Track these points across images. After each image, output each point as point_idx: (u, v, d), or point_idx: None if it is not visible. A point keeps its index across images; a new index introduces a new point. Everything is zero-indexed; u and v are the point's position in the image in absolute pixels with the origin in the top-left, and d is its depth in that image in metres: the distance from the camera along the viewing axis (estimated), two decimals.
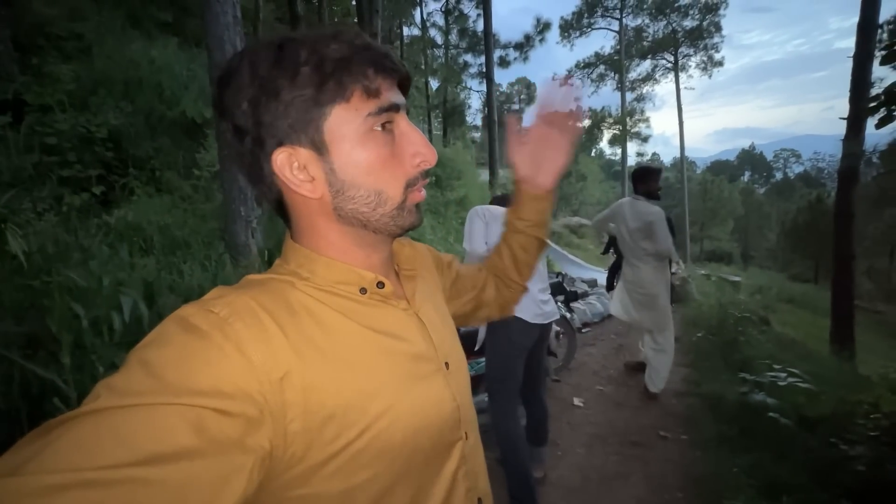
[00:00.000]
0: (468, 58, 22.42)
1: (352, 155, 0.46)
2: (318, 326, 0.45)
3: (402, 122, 0.49)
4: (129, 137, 4.29)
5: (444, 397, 0.52)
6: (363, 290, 0.50)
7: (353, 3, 12.27)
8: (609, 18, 26.55)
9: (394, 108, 0.47)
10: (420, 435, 0.47)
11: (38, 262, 2.38)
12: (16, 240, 2.20)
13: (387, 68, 0.46)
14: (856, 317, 6.31)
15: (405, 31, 18.34)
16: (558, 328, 3.30)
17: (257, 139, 0.45)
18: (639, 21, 26.69)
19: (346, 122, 0.45)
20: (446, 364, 0.55)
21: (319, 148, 0.45)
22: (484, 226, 2.07)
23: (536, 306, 2.02)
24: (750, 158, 60.74)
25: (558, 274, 4.66)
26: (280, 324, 0.42)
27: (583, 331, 5.15)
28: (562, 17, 26.61)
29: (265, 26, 8.91)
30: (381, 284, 0.51)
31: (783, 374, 3.19)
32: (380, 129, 0.47)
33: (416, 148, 0.49)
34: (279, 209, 0.51)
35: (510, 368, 2.04)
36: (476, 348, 2.37)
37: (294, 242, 0.51)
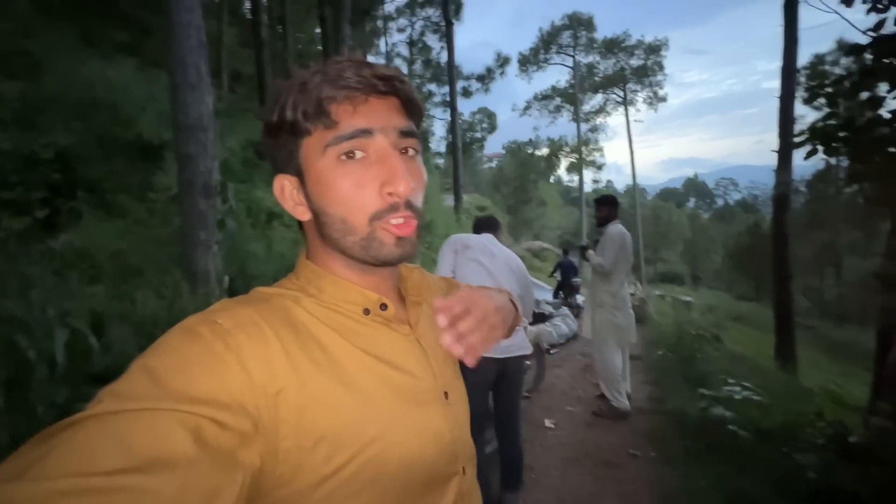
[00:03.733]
0: (432, 87, 23.11)
1: (318, 184, 0.47)
2: (317, 346, 0.45)
3: (379, 147, 0.46)
4: (80, 159, 4.07)
5: (442, 429, 0.51)
6: (367, 311, 0.50)
7: (318, 31, 12.42)
8: (563, 55, 28.30)
9: (359, 134, 0.46)
10: (415, 465, 0.46)
11: None
12: None
13: (351, 89, 0.45)
14: (796, 332, 6.78)
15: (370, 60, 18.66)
16: (528, 362, 3.33)
17: (272, 167, 0.52)
18: (590, 58, 28.66)
19: (311, 153, 0.47)
20: (445, 394, 0.54)
21: (300, 175, 0.48)
22: (453, 255, 2.06)
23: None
24: (694, 186, 65.30)
25: None
26: (282, 340, 0.43)
27: (550, 352, 5.23)
28: (520, 52, 28.13)
29: (228, 51, 8.83)
30: (384, 306, 0.51)
31: (738, 388, 3.36)
32: (345, 157, 0.46)
33: (386, 178, 0.46)
34: (300, 227, 0.55)
35: (481, 401, 1.97)
36: None
37: (305, 259, 0.53)
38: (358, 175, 0.46)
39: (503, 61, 24.66)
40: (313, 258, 0.52)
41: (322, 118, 0.45)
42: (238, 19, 11.95)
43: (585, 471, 2.61)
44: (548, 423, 3.28)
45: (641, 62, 27.91)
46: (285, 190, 0.50)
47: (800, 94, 6.98)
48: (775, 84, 6.89)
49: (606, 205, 3.45)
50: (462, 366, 1.66)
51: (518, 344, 1.99)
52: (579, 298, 8.13)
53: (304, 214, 0.50)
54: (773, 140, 6.75)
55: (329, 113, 0.45)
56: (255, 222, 5.20)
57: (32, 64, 4.20)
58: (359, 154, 0.46)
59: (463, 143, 21.51)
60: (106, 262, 3.28)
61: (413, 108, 0.50)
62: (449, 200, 12.91)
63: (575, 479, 2.51)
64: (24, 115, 3.80)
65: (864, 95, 2.63)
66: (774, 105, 6.86)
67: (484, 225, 2.33)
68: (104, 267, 3.23)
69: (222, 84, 8.12)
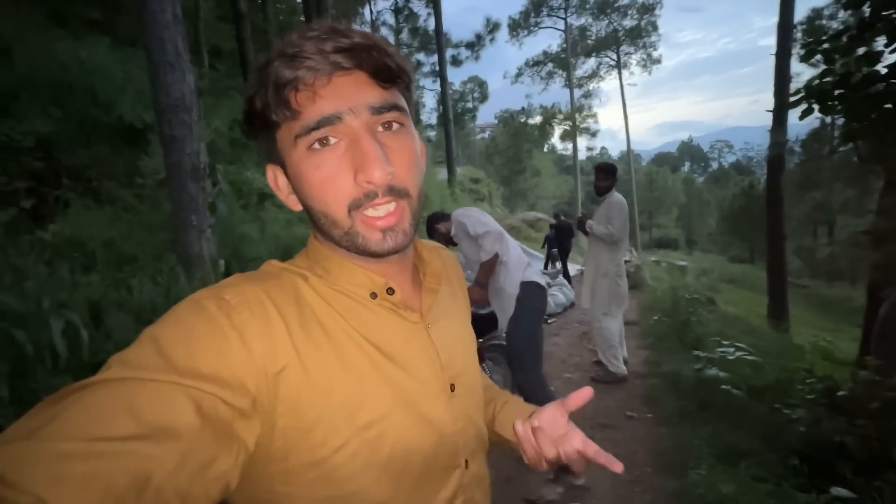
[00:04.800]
0: (420, 56, 22.45)
1: (295, 177, 0.45)
2: (320, 327, 0.45)
3: (350, 130, 0.43)
4: (62, 146, 3.95)
5: (444, 420, 0.50)
6: (374, 295, 0.48)
7: (299, 1, 11.91)
8: (555, 17, 27.41)
9: (326, 122, 0.42)
10: (411, 454, 0.46)
11: None
12: None
13: (315, 69, 0.41)
14: (788, 292, 6.92)
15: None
16: None
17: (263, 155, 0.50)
18: (583, 20, 27.79)
19: (284, 144, 0.45)
20: (452, 386, 0.52)
21: (283, 166, 0.47)
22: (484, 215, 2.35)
23: (539, 273, 2.27)
24: (689, 150, 64.87)
25: None
26: (286, 319, 0.43)
27: (549, 321, 5.31)
28: (510, 17, 27.21)
29: (205, 25, 8.47)
30: (391, 291, 0.49)
31: (731, 349, 3.45)
32: (318, 145, 0.43)
33: (358, 164, 0.42)
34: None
35: (538, 337, 2.21)
36: (502, 330, 2.46)
37: (314, 239, 0.51)
38: (330, 164, 0.43)
39: (493, 27, 23.91)
40: (319, 239, 0.51)
41: (283, 108, 0.42)
42: None
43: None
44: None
45: (635, 22, 27.13)
46: (278, 180, 0.49)
47: (797, 51, 6.86)
48: (772, 41, 6.74)
49: (608, 173, 3.42)
50: (535, 301, 2.15)
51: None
52: (572, 268, 8.20)
53: (296, 204, 0.48)
54: (768, 100, 6.67)
55: (288, 102, 0.41)
56: (247, 204, 5.13)
57: (1, 46, 4.02)
58: (333, 139, 0.42)
59: (454, 114, 21.07)
60: (98, 250, 3.24)
61: (389, 76, 0.44)
62: (442, 174, 12.77)
63: None
64: None
65: (861, 51, 2.58)
66: (770, 63, 6.73)
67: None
68: (97, 256, 3.19)
69: (203, 61, 7.84)
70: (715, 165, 60.98)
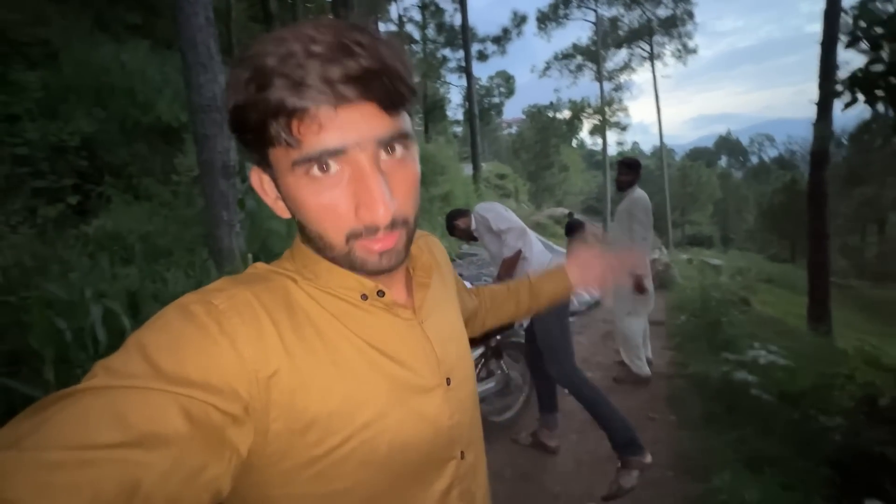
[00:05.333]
0: (446, 52, 22.37)
1: (290, 198, 0.43)
2: (313, 329, 0.45)
3: (355, 165, 0.41)
4: (104, 144, 4.19)
5: (441, 415, 0.50)
6: (364, 297, 0.48)
7: (328, 0, 12.09)
8: (585, 9, 26.69)
9: (329, 155, 0.40)
10: (408, 450, 0.46)
11: (16, 276, 2.32)
12: None
13: (321, 101, 0.38)
14: (831, 293, 6.54)
15: (381, 27, 18.18)
16: None
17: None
18: (614, 11, 26.91)
19: (279, 163, 0.42)
20: (448, 380, 0.52)
21: (272, 177, 0.45)
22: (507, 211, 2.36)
23: None
24: (727, 144, 62.06)
25: None
26: (276, 323, 0.42)
27: (571, 320, 5.22)
28: (538, 9, 26.69)
29: (237, 26, 8.73)
30: (381, 293, 0.48)
31: (763, 352, 3.30)
32: (317, 171, 0.40)
33: (361, 200, 0.41)
34: None
35: (567, 331, 2.22)
36: (520, 327, 2.49)
37: (300, 242, 0.50)
38: (331, 194, 0.41)
39: (520, 20, 23.52)
40: (309, 243, 0.49)
41: (282, 134, 0.39)
42: None
43: (603, 434, 2.65)
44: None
45: (670, 12, 26.02)
46: (264, 183, 0.46)
47: (844, 37, 6.43)
48: (820, 27, 6.33)
49: (631, 168, 3.33)
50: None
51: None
52: None
53: (284, 212, 0.47)
54: (813, 90, 6.26)
55: (289, 130, 0.39)
56: None
57: (50, 52, 4.29)
58: (334, 167, 0.40)
59: (480, 109, 20.94)
60: (136, 244, 3.42)
61: (398, 104, 0.41)
62: (468, 170, 12.73)
63: (592, 442, 2.55)
64: (47, 104, 3.92)
65: None
66: (817, 51, 6.34)
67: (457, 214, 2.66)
68: (135, 249, 3.37)
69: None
70: (755, 160, 58.11)
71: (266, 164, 0.44)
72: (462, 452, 0.53)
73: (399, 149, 0.43)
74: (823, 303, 6.34)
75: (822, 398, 2.66)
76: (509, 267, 2.34)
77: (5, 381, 1.85)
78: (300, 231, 0.48)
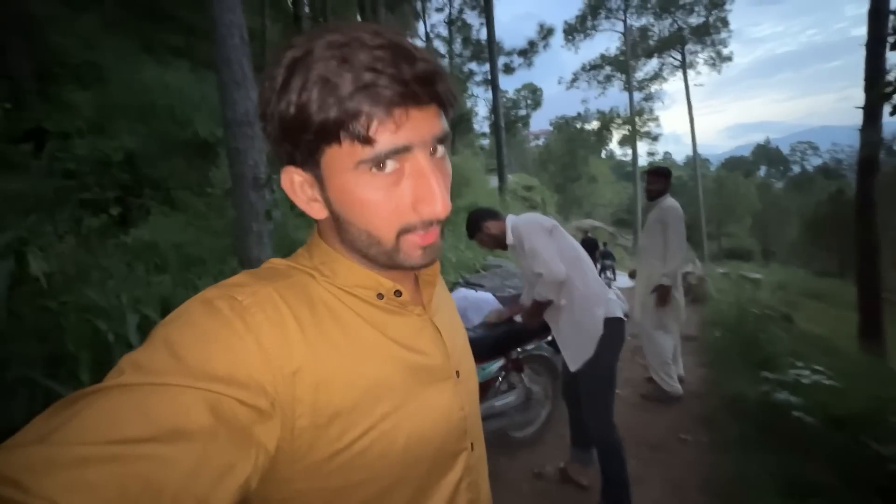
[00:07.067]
0: (472, 66, 22.68)
1: (343, 193, 0.43)
2: (335, 323, 0.45)
3: (416, 162, 0.43)
4: (145, 159, 4.44)
5: (453, 406, 0.52)
6: (380, 296, 0.50)
7: (358, 17, 12.51)
8: (613, 20, 26.50)
9: (398, 152, 0.41)
10: (424, 441, 0.47)
11: (59, 282, 2.46)
12: (37, 262, 2.28)
13: (396, 102, 0.39)
14: (884, 310, 6.09)
15: None
16: None
17: (275, 151, 0.45)
18: (643, 21, 26.63)
19: (337, 162, 0.42)
20: (457, 373, 0.55)
21: (318, 177, 0.44)
22: (549, 236, 1.92)
23: (619, 302, 1.99)
24: (766, 153, 59.44)
25: None
26: (299, 319, 0.43)
27: None
28: (565, 21, 26.71)
29: (272, 47, 9.14)
30: (398, 293, 0.50)
31: (807, 372, 3.08)
32: (377, 169, 0.42)
33: (421, 196, 0.43)
34: None
35: (615, 376, 1.94)
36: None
37: (319, 239, 0.51)
38: (390, 189, 0.43)
39: (546, 32, 23.63)
40: (327, 240, 0.50)
41: (356, 135, 0.40)
42: (281, 14, 12.30)
43: (631, 454, 2.49)
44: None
45: (702, 20, 25.51)
46: (295, 184, 0.46)
47: (892, 39, 6.08)
48: (866, 31, 6.02)
49: (662, 176, 3.23)
50: (621, 334, 1.86)
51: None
52: (622, 280, 7.79)
53: (319, 213, 0.46)
54: (859, 96, 5.93)
55: (366, 132, 0.40)
56: (300, 211, 5.44)
57: (99, 74, 4.61)
58: (391, 165, 0.42)
59: (507, 121, 20.99)
60: (170, 253, 3.58)
61: (452, 101, 0.44)
62: (494, 182, 12.72)
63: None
64: (95, 122, 4.19)
65: None
66: (862, 55, 6.01)
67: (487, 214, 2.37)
68: (169, 258, 3.52)
69: None
70: (797, 169, 55.39)
71: (313, 165, 0.44)
72: (472, 444, 0.55)
73: (440, 148, 0.45)
74: (875, 320, 5.91)
75: (875, 423, 2.45)
76: (536, 314, 2.01)
77: (45, 382, 1.95)
78: (328, 228, 0.49)
